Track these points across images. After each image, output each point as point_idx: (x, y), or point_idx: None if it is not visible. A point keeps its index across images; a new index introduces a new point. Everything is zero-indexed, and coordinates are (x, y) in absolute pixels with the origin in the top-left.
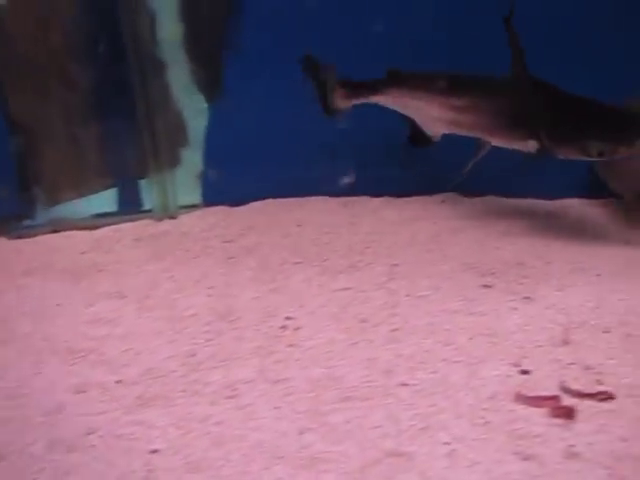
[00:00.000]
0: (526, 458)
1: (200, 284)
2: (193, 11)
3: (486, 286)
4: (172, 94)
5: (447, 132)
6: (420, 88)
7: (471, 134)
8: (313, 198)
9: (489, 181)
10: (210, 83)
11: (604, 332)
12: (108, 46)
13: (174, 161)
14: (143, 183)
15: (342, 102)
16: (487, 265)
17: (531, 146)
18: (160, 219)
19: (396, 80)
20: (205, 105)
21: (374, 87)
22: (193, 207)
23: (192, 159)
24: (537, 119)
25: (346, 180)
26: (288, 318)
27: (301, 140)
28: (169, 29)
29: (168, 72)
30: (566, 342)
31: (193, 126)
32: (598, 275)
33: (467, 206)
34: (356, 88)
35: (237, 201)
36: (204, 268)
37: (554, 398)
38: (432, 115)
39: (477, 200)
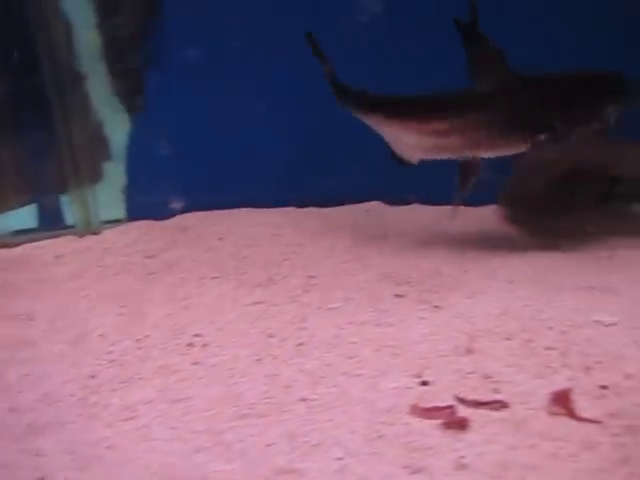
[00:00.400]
0: (416, 471)
1: (114, 302)
2: (110, 22)
3: (399, 296)
4: (92, 106)
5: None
6: (395, 114)
7: (457, 156)
8: (236, 210)
9: (415, 189)
10: (131, 96)
11: (506, 339)
12: (21, 56)
13: (96, 175)
14: (64, 198)
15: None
16: (404, 274)
17: (537, 142)
18: (82, 235)
19: (369, 104)
20: (127, 118)
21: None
22: (117, 222)
23: (115, 173)
24: (543, 112)
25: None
26: (197, 335)
27: (224, 151)
28: (86, 39)
29: (87, 83)
30: (469, 351)
31: (115, 139)
32: (511, 282)
33: (391, 215)
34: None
35: (161, 215)
36: (122, 285)
37: (449, 409)
38: (410, 143)
39: (402, 209)
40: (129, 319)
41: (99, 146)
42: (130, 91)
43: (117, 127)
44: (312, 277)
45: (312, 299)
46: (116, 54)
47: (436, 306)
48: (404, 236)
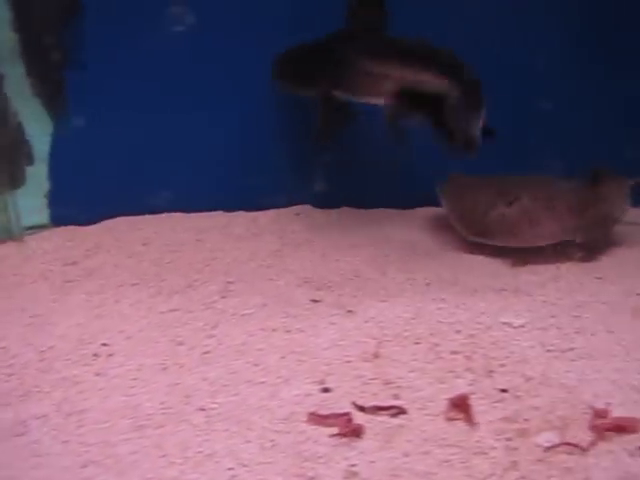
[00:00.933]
0: None
1: (25, 312)
2: (27, 21)
3: (315, 301)
4: (11, 108)
5: None
6: None
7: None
8: (164, 215)
9: (345, 193)
10: (52, 97)
11: (415, 343)
12: None
13: (16, 180)
14: None
15: None
16: (324, 279)
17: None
18: (3, 242)
19: None
20: (49, 121)
21: None
22: (40, 228)
23: (37, 177)
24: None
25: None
26: (104, 345)
27: (149, 156)
28: (2, 38)
29: (4, 84)
30: (376, 356)
31: (37, 143)
32: (427, 284)
33: (320, 219)
34: None
35: (87, 220)
36: (37, 294)
37: (345, 416)
38: None
39: (332, 212)
40: (37, 329)
41: (19, 150)
42: (51, 93)
43: (39, 130)
44: (231, 283)
45: (227, 305)
46: (35, 54)
47: (349, 311)
48: (329, 239)
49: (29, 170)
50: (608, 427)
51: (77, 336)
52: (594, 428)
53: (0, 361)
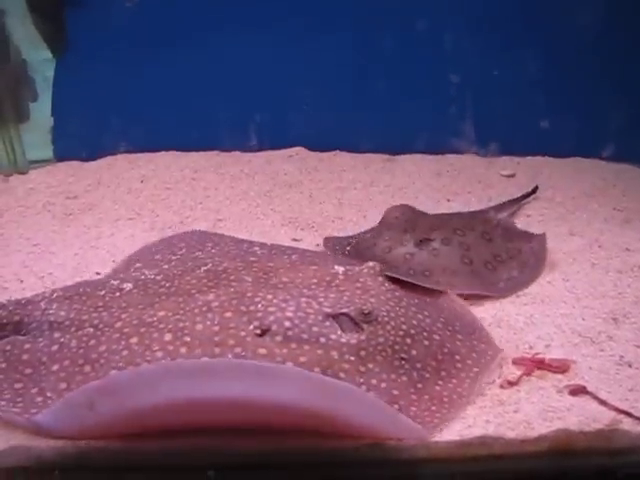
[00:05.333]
0: None
1: (28, 241)
2: None
3: (295, 240)
4: (13, 46)
5: None
6: None
7: None
8: (162, 153)
9: (337, 137)
10: (54, 35)
11: None
12: None
13: (21, 115)
14: None
15: None
16: (308, 220)
17: None
18: (8, 175)
19: None
20: (51, 57)
21: None
22: (45, 162)
23: (41, 113)
24: None
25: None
26: (97, 274)
27: (149, 93)
28: None
29: (7, 22)
30: None
31: (40, 79)
32: None
33: (313, 161)
34: None
35: (89, 156)
36: (39, 225)
37: None
38: None
39: (325, 155)
40: (37, 257)
41: (23, 86)
42: (52, 30)
43: (41, 67)
44: (221, 220)
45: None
46: None
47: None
48: (319, 182)
49: (33, 106)
50: (535, 366)
51: (73, 265)
52: (521, 367)
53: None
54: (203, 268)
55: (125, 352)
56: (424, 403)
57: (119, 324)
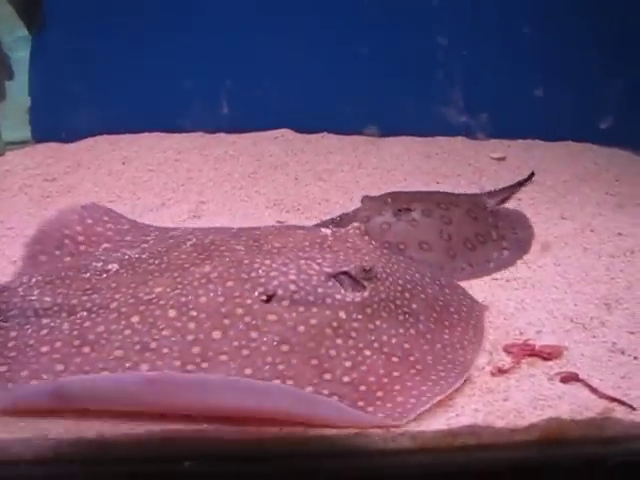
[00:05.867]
0: None
1: (2, 225)
2: None
3: (280, 222)
4: None
5: None
6: None
7: None
8: (145, 134)
9: (324, 119)
10: (30, 12)
11: None
12: None
13: None
14: None
15: None
16: (294, 202)
17: None
18: None
19: None
20: (27, 35)
21: None
22: (22, 143)
23: (18, 92)
24: None
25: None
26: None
27: (131, 72)
28: None
29: None
30: None
31: (16, 57)
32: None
33: (300, 143)
34: None
35: (69, 137)
36: (14, 208)
37: None
38: None
39: (311, 137)
40: (11, 241)
41: None
42: (28, 7)
43: (17, 45)
44: (203, 203)
45: (196, 224)
46: None
47: None
48: (305, 164)
49: (9, 85)
50: (526, 353)
51: None
52: (512, 354)
53: None
54: (189, 243)
55: (128, 331)
56: (439, 353)
57: (114, 304)
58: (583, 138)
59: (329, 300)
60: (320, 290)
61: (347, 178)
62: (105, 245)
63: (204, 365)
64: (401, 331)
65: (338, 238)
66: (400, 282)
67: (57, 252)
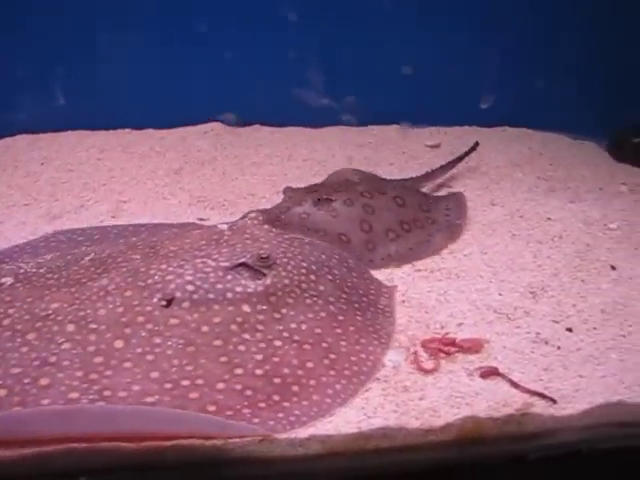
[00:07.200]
0: None
1: None
2: None
3: (201, 219)
4: None
5: None
6: None
7: None
8: (68, 133)
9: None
10: None
11: None
12: None
13: None
14: None
15: None
16: (219, 197)
17: None
18: None
19: None
20: None
21: None
22: None
23: None
24: None
25: None
26: None
27: (53, 65)
28: None
29: None
30: None
31: None
32: None
33: (230, 136)
34: None
35: None
36: None
37: None
38: None
39: (243, 130)
40: None
41: None
42: None
43: None
44: (124, 202)
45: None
46: None
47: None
48: (234, 158)
49: None
50: (443, 349)
51: None
52: (429, 350)
53: None
54: (87, 258)
55: (25, 349)
56: (352, 336)
57: (7, 321)
58: (520, 123)
59: (230, 294)
60: (219, 286)
61: (275, 171)
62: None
63: (108, 373)
64: (310, 316)
65: (235, 231)
66: (304, 264)
67: None
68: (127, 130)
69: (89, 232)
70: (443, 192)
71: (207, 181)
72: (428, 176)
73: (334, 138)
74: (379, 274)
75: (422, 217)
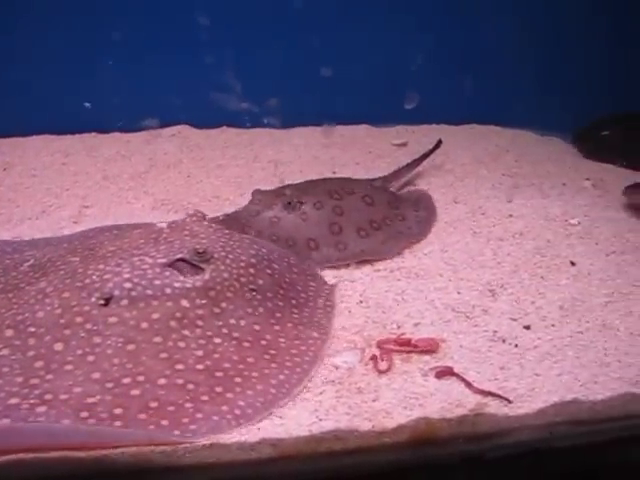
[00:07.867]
0: None
1: None
2: None
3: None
4: None
5: None
6: None
7: None
8: (33, 138)
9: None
10: None
11: None
12: None
13: None
14: None
15: None
16: (183, 200)
17: None
18: None
19: None
20: None
21: None
22: None
23: None
24: None
25: None
26: None
27: (17, 66)
28: None
29: None
30: None
31: None
32: None
33: (197, 138)
34: None
35: None
36: None
37: None
38: None
39: (210, 132)
40: None
41: None
42: None
43: None
44: (87, 207)
45: (75, 230)
46: None
47: None
48: (200, 160)
49: None
50: (397, 350)
51: None
52: (384, 351)
53: None
54: (26, 264)
55: None
56: (290, 332)
57: None
58: (487, 120)
59: (168, 290)
60: (157, 282)
61: (241, 173)
62: None
63: (49, 377)
64: (249, 310)
65: (174, 229)
66: (243, 258)
67: None
68: (93, 134)
69: (34, 242)
70: (407, 190)
71: (172, 184)
72: (395, 175)
73: (301, 139)
74: (338, 275)
75: (391, 215)
